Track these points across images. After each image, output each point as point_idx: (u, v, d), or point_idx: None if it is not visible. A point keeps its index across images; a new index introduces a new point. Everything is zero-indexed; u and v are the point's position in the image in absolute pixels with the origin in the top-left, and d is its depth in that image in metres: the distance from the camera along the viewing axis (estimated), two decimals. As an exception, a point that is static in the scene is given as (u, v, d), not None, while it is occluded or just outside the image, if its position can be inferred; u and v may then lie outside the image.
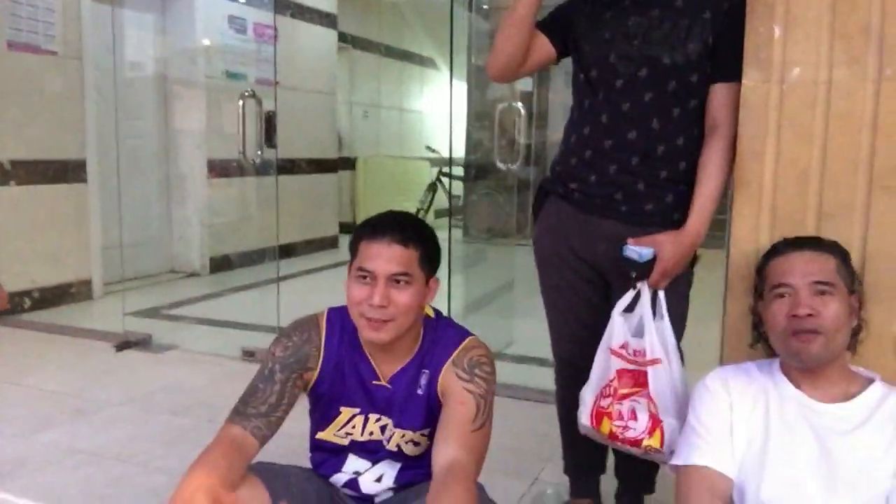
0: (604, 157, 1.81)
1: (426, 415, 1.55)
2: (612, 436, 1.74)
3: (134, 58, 5.56)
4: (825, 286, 1.34)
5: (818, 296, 1.34)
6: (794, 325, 1.34)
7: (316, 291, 5.26)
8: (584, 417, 1.79)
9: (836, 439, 1.34)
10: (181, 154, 5.83)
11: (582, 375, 1.82)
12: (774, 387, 1.42)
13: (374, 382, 1.56)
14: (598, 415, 1.75)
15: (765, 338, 1.47)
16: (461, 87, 8.29)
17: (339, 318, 1.60)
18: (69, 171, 4.73)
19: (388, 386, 1.56)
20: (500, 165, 3.64)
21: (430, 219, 8.84)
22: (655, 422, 1.69)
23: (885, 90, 1.46)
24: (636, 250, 1.71)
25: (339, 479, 1.63)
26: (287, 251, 6.10)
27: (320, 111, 7.12)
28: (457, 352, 1.54)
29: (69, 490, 2.31)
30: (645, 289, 1.73)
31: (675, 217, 1.77)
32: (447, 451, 1.41)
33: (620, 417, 1.72)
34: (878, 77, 1.46)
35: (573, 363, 1.94)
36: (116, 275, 4.84)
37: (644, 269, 1.72)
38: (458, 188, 8.57)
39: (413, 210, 8.79)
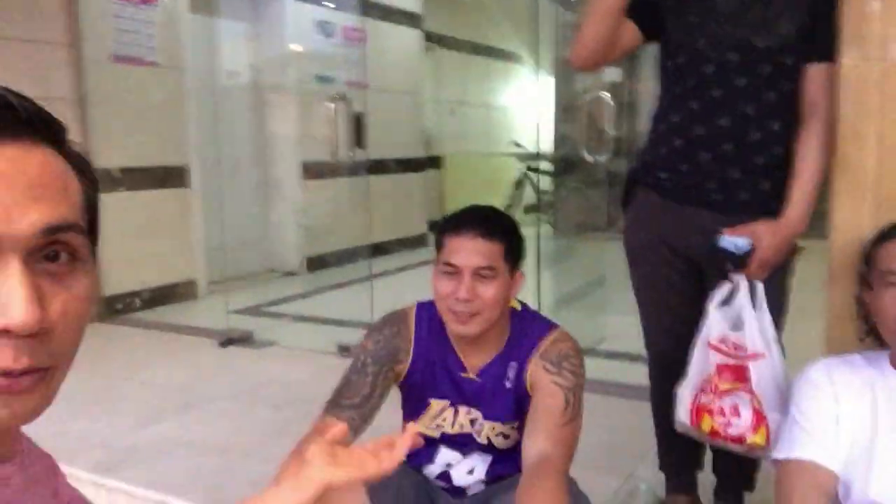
0: (695, 146, 1.76)
1: (515, 407, 1.56)
2: (714, 433, 1.69)
3: (229, 66, 5.80)
4: None
5: None
6: None
7: (407, 288, 5.34)
8: (683, 415, 1.75)
9: None
10: (276, 157, 6.03)
11: (677, 370, 1.79)
12: (883, 380, 1.35)
13: (462, 375, 1.58)
14: (698, 412, 1.71)
15: (874, 329, 1.40)
16: (547, 81, 8.22)
17: (428, 312, 1.63)
18: (173, 177, 4.98)
19: (477, 379, 1.58)
20: (588, 158, 3.59)
21: (518, 215, 8.81)
22: (759, 418, 1.63)
23: None
24: (732, 241, 1.66)
25: (432, 471, 1.66)
26: (378, 250, 6.21)
27: (407, 111, 7.22)
28: (544, 344, 1.54)
29: (177, 479, 2.44)
30: (742, 281, 1.68)
31: (772, 206, 1.71)
32: (536, 445, 1.41)
33: (722, 414, 1.67)
34: None
35: (668, 357, 1.91)
36: (219, 274, 5.06)
37: (741, 261, 1.67)
38: (546, 183, 8.51)
39: (502, 207, 8.81)
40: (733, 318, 1.70)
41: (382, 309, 4.27)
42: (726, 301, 1.71)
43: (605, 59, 1.80)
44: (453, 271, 1.47)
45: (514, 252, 1.51)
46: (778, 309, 1.74)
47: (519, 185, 8.72)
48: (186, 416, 3.02)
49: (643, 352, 2.04)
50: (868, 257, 1.41)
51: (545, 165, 8.48)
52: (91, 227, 0.59)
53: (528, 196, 8.76)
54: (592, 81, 6.09)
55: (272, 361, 3.79)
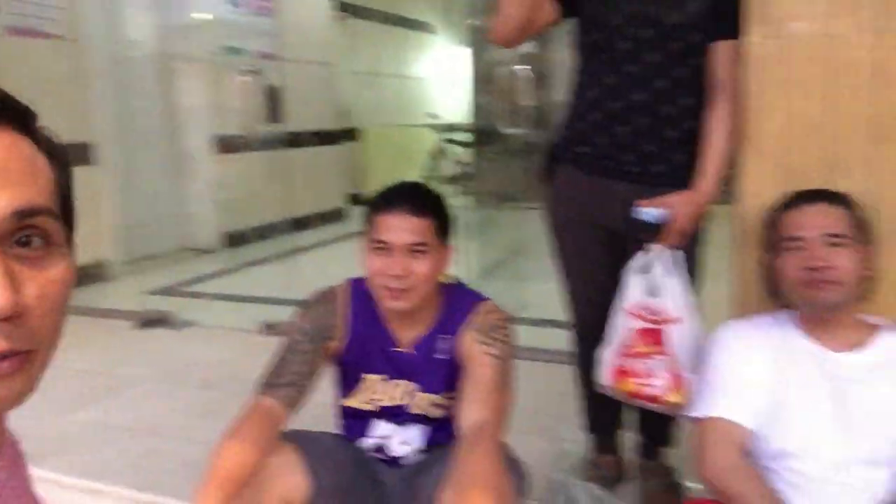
0: (612, 120, 1.83)
1: (448, 379, 1.61)
2: (633, 394, 1.79)
3: (134, 35, 5.56)
4: (837, 238, 1.37)
5: (831, 248, 1.37)
6: (808, 277, 1.38)
7: (329, 263, 5.32)
8: (604, 377, 1.84)
9: (851, 387, 1.38)
10: (188, 131, 5.84)
11: (599, 336, 1.88)
12: (789, 338, 1.46)
13: (395, 349, 1.62)
14: (619, 374, 1.81)
15: (776, 290, 1.51)
16: (463, 52, 8.24)
17: (359, 289, 1.65)
18: (78, 155, 4.77)
19: (411, 352, 1.62)
20: (507, 130, 3.65)
21: (436, 186, 8.86)
22: (677, 378, 1.75)
23: (885, 42, 1.48)
24: (648, 212, 1.76)
25: (367, 443, 1.69)
26: (297, 224, 6.14)
27: (322, 82, 7.11)
28: (475, 316, 1.59)
29: (108, 464, 2.40)
30: (659, 249, 1.77)
31: (687, 177, 1.80)
32: (472, 413, 1.46)
33: (641, 375, 1.78)
34: (878, 28, 1.48)
35: (590, 325, 1.99)
36: (133, 254, 4.90)
37: (657, 231, 1.76)
38: (464, 154, 8.58)
39: (419, 178, 8.83)
40: (651, 286, 1.79)
41: (306, 285, 4.21)
42: (644, 269, 1.80)
43: (525, 35, 1.84)
44: (385, 248, 1.49)
45: (443, 227, 1.55)
46: (693, 274, 1.85)
47: (436, 156, 8.75)
48: (111, 401, 2.95)
49: (565, 317, 2.11)
50: (771, 223, 1.50)
51: (462, 136, 8.53)
52: (66, 212, 0.59)
53: (447, 167, 8.81)
54: (509, 53, 6.15)
55: (194, 342, 3.72)
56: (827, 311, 1.40)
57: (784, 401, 1.41)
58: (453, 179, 8.98)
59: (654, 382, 1.77)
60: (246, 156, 6.12)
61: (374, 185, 8.63)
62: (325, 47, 7.17)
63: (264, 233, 6.13)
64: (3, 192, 0.52)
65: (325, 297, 1.64)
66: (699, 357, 1.70)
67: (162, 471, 2.34)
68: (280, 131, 3.80)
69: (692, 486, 2.02)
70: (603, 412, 2.14)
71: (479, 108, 7.65)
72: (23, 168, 0.54)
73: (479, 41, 7.54)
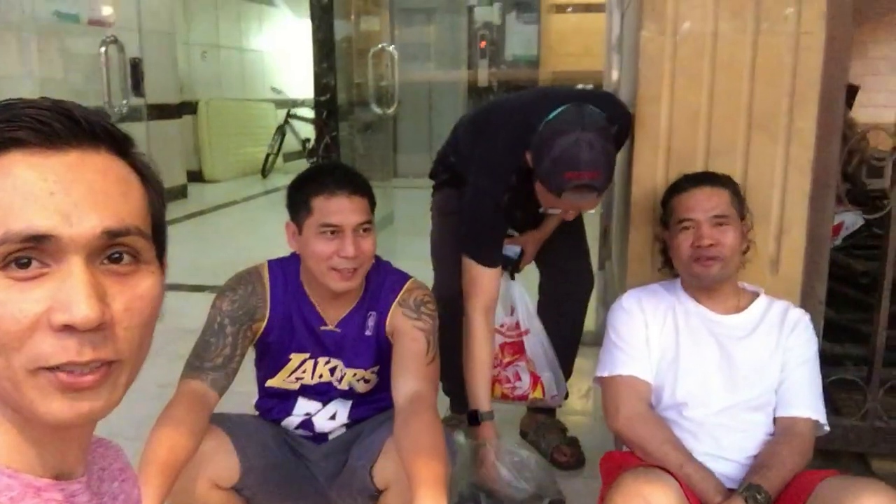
0: None
1: (376, 354, 1.66)
2: (504, 396, 2.12)
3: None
4: (723, 218, 1.56)
5: (717, 227, 1.55)
6: (697, 253, 1.56)
7: (179, 243, 5.08)
8: None
9: (733, 344, 1.59)
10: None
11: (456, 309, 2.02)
12: (679, 303, 1.65)
13: (322, 328, 1.64)
14: (491, 383, 2.05)
15: (669, 261, 1.69)
16: (304, 25, 8.07)
17: (281, 269, 1.65)
18: None
19: (336, 329, 1.64)
20: (377, 110, 3.68)
21: (279, 163, 8.67)
22: (535, 378, 2.12)
23: (761, 42, 1.69)
24: (510, 248, 2.12)
25: (292, 421, 1.70)
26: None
27: (160, 53, 6.72)
28: (401, 293, 1.64)
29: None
30: (517, 276, 2.16)
31: None
32: (406, 384, 1.52)
33: (508, 381, 2.13)
34: (756, 29, 1.69)
35: (455, 301, 2.05)
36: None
37: (515, 263, 2.14)
38: (307, 131, 8.44)
39: (263, 154, 8.59)
40: (508, 306, 2.14)
41: (168, 266, 4.05)
42: (506, 293, 2.13)
43: None
44: (335, 231, 1.50)
45: (374, 204, 1.58)
46: (582, 243, 2.14)
47: (280, 132, 8.55)
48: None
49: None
50: (665, 203, 1.68)
51: (306, 112, 8.39)
52: (157, 233, 0.61)
53: (289, 144, 8.64)
54: (350, 28, 6.10)
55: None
56: (711, 283, 1.59)
57: (677, 357, 1.60)
58: (295, 156, 8.83)
59: (518, 384, 2.13)
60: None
61: (214, 161, 8.32)
62: (164, 16, 6.77)
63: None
64: (96, 212, 0.54)
65: (247, 279, 1.62)
66: (549, 359, 2.13)
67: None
68: (138, 104, 3.58)
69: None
70: (458, 375, 2.26)
71: (323, 84, 7.54)
72: (117, 189, 0.56)
73: (320, 14, 7.41)
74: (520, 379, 2.13)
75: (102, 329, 0.54)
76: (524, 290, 2.17)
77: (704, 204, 1.57)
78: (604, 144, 1.67)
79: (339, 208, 1.50)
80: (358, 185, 1.53)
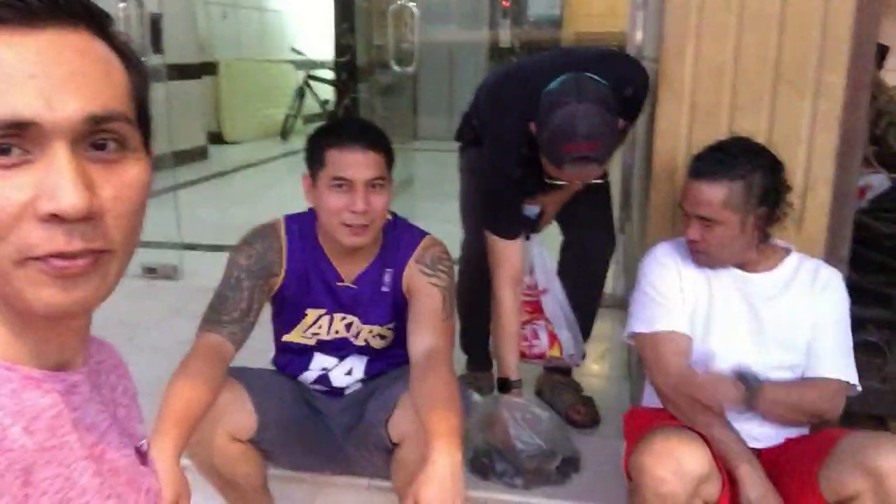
0: None
1: (392, 310, 1.65)
2: (522, 354, 2.09)
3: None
4: (708, 221, 1.49)
5: (704, 226, 1.50)
6: (689, 246, 1.57)
7: (201, 204, 5.11)
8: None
9: (763, 303, 1.56)
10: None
11: (477, 269, 2.06)
12: None
13: (338, 284, 1.63)
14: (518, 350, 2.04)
15: None
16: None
17: (297, 224, 1.64)
18: None
19: (353, 286, 1.64)
20: (397, 69, 3.64)
21: (299, 125, 8.64)
22: (553, 337, 2.12)
23: (792, -6, 1.63)
24: (530, 209, 2.07)
25: (308, 376, 1.71)
26: (163, 163, 5.83)
27: (179, 11, 6.67)
28: (418, 250, 1.63)
29: None
30: (534, 238, 2.13)
31: None
32: (423, 339, 1.52)
33: (526, 339, 2.11)
34: (786, -19, 1.63)
35: (480, 259, 2.06)
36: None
37: (534, 222, 2.10)
38: (327, 92, 8.39)
39: (283, 116, 8.56)
40: (528, 266, 2.11)
41: (183, 227, 4.04)
42: (525, 253, 2.08)
43: None
44: (345, 185, 1.49)
45: (391, 161, 1.56)
46: (608, 207, 2.11)
47: (300, 94, 8.50)
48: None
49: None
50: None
51: (326, 74, 8.33)
52: (142, 118, 0.58)
53: (310, 106, 8.59)
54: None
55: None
56: (707, 266, 1.58)
57: (709, 313, 1.58)
58: (315, 118, 8.79)
59: (536, 343, 2.13)
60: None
61: (235, 122, 8.30)
62: (181, -26, 6.71)
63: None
64: (79, 96, 0.52)
65: (264, 234, 1.62)
66: (566, 318, 2.10)
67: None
68: (158, 63, 3.55)
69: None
70: (476, 335, 2.31)
71: (343, 45, 7.48)
72: (98, 71, 0.54)
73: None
74: (537, 337, 2.14)
75: (92, 219, 0.52)
76: (543, 249, 2.16)
77: (695, 198, 1.50)
78: (603, 115, 1.64)
79: (352, 162, 1.48)
80: (373, 140, 1.51)
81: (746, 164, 1.48)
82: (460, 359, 2.41)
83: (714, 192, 1.47)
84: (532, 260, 2.13)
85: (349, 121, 1.59)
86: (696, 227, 1.52)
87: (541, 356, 2.15)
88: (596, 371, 2.60)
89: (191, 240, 3.86)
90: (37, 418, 0.55)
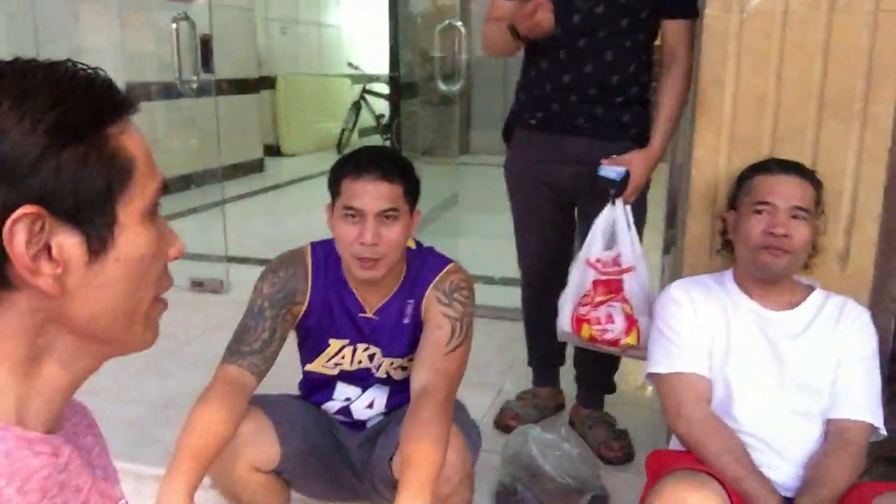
0: (563, 90, 1.97)
1: (413, 342, 1.61)
2: (592, 339, 1.90)
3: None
4: (801, 212, 1.45)
5: (793, 219, 1.45)
6: (768, 241, 1.45)
7: (252, 217, 5.19)
8: (564, 324, 1.95)
9: (785, 343, 1.49)
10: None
11: (545, 283, 2.08)
12: (729, 297, 1.55)
13: (361, 315, 1.61)
14: (578, 321, 1.91)
15: (729, 243, 1.59)
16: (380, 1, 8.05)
17: (323, 253, 1.63)
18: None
19: (375, 317, 1.62)
20: (442, 86, 3.63)
21: (354, 138, 8.73)
22: (631, 322, 1.87)
23: (836, 20, 1.56)
24: (612, 169, 1.87)
25: (332, 406, 1.70)
26: (219, 176, 5.96)
27: (239, 28, 6.83)
28: (438, 277, 1.60)
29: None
30: (619, 204, 1.89)
31: (631, 132, 1.97)
32: (420, 376, 1.49)
33: (599, 322, 1.89)
34: (831, 7, 1.56)
35: (537, 275, 2.18)
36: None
37: (619, 186, 1.88)
38: (382, 106, 8.46)
39: (338, 129, 8.66)
40: (607, 238, 1.91)
41: (231, 240, 4.09)
42: (606, 223, 1.91)
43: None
44: (356, 215, 1.46)
45: (412, 192, 1.54)
46: (641, 224, 2.01)
47: (356, 108, 8.60)
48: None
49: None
50: (742, 180, 1.56)
51: (382, 88, 8.41)
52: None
53: (365, 120, 8.68)
54: (429, 4, 6.05)
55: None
56: (774, 277, 1.49)
57: (728, 351, 1.51)
58: (370, 132, 8.87)
59: (611, 328, 1.88)
60: (164, 104, 5.84)
61: (292, 136, 8.44)
62: (243, -9, 6.88)
63: (185, 184, 5.90)
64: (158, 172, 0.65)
65: (290, 262, 1.62)
66: (650, 302, 1.83)
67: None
68: (208, 80, 3.63)
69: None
70: (545, 349, 2.31)
71: (399, 60, 7.53)
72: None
73: (402, -12, 7.36)
74: (612, 321, 1.87)
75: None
76: (631, 221, 1.90)
77: (788, 192, 1.46)
78: None
79: (362, 192, 1.45)
80: (387, 170, 1.47)
81: (814, 174, 1.50)
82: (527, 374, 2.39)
83: (805, 187, 1.48)
84: (615, 231, 1.89)
85: (367, 149, 1.57)
86: (786, 222, 1.44)
87: (614, 343, 1.89)
88: (632, 399, 2.53)
89: (242, 253, 3.92)
90: (29, 479, 0.57)
